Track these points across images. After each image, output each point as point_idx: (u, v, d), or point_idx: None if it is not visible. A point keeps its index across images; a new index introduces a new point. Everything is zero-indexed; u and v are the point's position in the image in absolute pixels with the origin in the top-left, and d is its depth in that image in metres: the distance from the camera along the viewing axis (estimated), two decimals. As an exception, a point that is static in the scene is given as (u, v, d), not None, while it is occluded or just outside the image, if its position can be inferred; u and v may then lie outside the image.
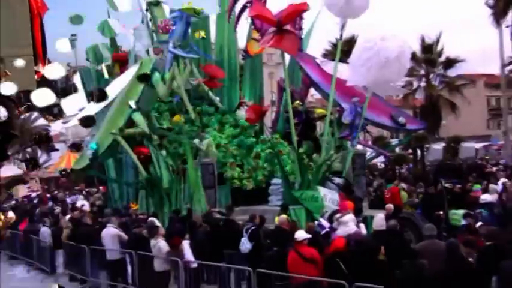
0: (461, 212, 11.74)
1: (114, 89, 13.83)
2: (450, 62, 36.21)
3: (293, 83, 15.29)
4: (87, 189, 20.97)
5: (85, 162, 14.06)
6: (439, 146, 38.63)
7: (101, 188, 19.90)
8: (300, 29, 14.33)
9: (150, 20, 14.63)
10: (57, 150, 19.59)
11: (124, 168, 15.08)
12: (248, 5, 13.94)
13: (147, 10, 14.39)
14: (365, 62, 13.11)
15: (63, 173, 19.37)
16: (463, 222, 10.72)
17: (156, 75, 13.83)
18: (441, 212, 12.47)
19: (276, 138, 15.10)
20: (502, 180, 16.91)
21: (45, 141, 13.24)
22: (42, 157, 17.90)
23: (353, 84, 13.70)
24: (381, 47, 12.98)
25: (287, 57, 13.62)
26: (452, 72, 37.52)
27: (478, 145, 42.87)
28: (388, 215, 10.68)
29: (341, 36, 13.89)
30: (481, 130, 55.56)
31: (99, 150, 13.65)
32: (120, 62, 15.55)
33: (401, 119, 14.63)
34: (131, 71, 13.94)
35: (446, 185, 14.57)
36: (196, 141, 13.70)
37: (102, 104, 13.63)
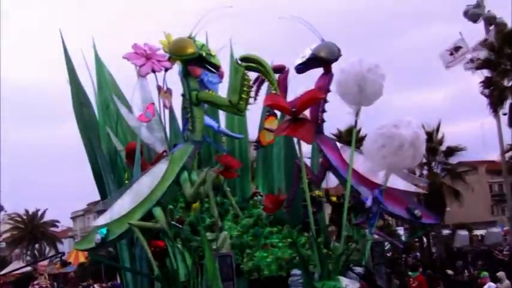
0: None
1: (144, 186, 13.48)
2: (451, 151, 36.43)
3: (311, 167, 15.18)
4: (95, 285, 20.53)
5: (90, 245, 13.70)
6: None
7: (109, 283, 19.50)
8: (323, 111, 14.28)
9: (187, 119, 14.18)
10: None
11: (138, 260, 14.72)
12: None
13: (185, 108, 14.09)
14: (379, 150, 13.11)
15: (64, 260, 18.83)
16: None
17: (185, 175, 13.41)
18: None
19: (291, 228, 14.87)
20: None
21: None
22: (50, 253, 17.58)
23: (369, 173, 13.72)
24: (395, 133, 13.00)
25: (303, 145, 13.55)
26: (453, 160, 37.81)
27: (483, 231, 42.73)
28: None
29: (356, 123, 13.92)
30: (485, 216, 55.54)
31: (109, 236, 13.30)
32: (131, 153, 15.33)
33: (417, 212, 14.39)
34: (161, 168, 13.53)
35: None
36: (209, 235, 13.42)
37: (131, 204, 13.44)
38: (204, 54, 13.16)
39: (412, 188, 14.95)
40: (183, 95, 13.81)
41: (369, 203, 13.47)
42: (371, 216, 13.64)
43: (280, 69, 14.86)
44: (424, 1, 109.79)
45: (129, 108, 16.11)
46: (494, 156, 40.93)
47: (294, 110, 12.45)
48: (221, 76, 15.65)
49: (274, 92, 13.68)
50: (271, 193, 15.93)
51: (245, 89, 13.10)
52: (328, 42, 14.13)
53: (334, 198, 15.44)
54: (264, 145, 16.10)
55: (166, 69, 16.10)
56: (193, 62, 13.44)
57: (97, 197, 16.69)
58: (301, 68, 14.28)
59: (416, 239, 36.12)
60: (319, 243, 13.31)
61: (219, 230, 13.62)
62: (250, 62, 13.35)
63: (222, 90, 15.59)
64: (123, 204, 13.57)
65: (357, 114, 13.71)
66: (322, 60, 14.08)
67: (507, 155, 37.12)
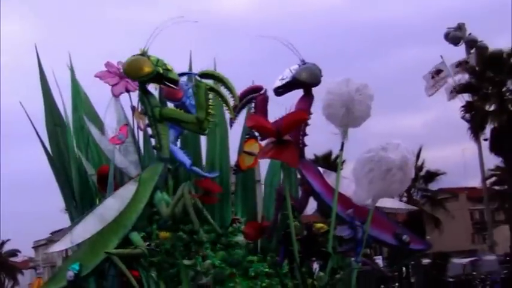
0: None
1: (110, 209, 12.81)
2: (431, 176, 36.12)
3: (292, 192, 14.47)
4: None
5: (61, 284, 12.74)
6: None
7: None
8: (305, 135, 13.67)
9: (152, 136, 13.72)
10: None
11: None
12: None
13: (149, 126, 13.59)
14: (367, 174, 12.51)
15: None
16: None
17: (158, 195, 12.96)
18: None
19: (272, 256, 14.16)
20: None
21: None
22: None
23: (357, 200, 13.15)
24: (383, 157, 12.39)
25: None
26: (433, 186, 37.53)
27: (465, 260, 42.34)
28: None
29: (342, 145, 13.26)
30: (466, 245, 55.33)
31: (83, 271, 12.48)
32: (103, 177, 14.58)
33: (405, 237, 13.78)
34: (130, 189, 12.97)
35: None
36: (187, 262, 12.76)
37: (95, 227, 12.69)
38: (161, 71, 12.84)
39: (402, 206, 14.44)
40: (145, 113, 13.48)
41: (347, 231, 12.95)
42: (357, 243, 13.07)
43: (258, 90, 14.25)
44: (403, 23, 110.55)
45: (102, 129, 15.38)
46: (476, 182, 40.73)
47: (278, 131, 11.87)
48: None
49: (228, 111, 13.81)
50: (252, 220, 15.22)
51: (210, 104, 12.94)
52: (310, 64, 13.53)
53: (318, 225, 14.72)
54: (244, 169, 15.31)
55: (128, 91, 15.42)
56: (151, 80, 13.19)
57: (62, 226, 15.88)
58: (281, 91, 13.69)
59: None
60: (304, 272, 12.66)
61: (202, 258, 12.99)
62: (210, 78, 13.27)
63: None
64: (85, 227, 12.86)
65: (344, 136, 13.07)
66: (303, 83, 13.49)
67: (488, 181, 36.86)
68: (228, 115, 14.64)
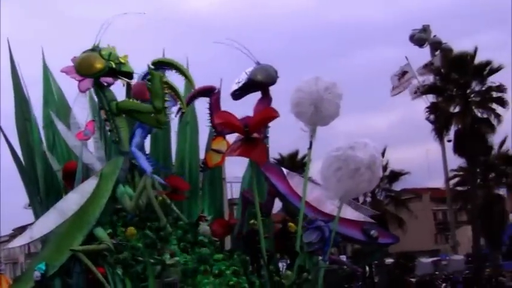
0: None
1: (70, 203, 12.70)
2: (395, 176, 36.31)
3: (258, 195, 14.37)
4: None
5: (28, 285, 12.66)
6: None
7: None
8: (265, 137, 13.59)
9: (111, 130, 13.58)
10: None
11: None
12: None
13: (106, 120, 13.41)
14: (335, 173, 12.52)
15: None
16: None
17: (121, 189, 12.86)
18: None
19: (239, 254, 14.09)
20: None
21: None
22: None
23: (320, 199, 13.17)
24: (351, 155, 12.40)
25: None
26: (397, 186, 37.73)
27: (427, 260, 42.77)
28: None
29: (311, 144, 13.23)
30: (429, 245, 55.72)
31: (49, 271, 12.35)
32: (69, 173, 14.36)
33: (373, 232, 13.86)
34: (91, 184, 12.82)
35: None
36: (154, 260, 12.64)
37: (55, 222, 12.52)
38: (113, 66, 12.73)
39: (361, 218, 14.41)
40: (102, 108, 13.36)
41: (313, 235, 12.93)
42: (325, 243, 13.06)
43: (210, 91, 14.08)
44: (368, 24, 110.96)
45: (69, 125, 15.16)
46: (439, 183, 41.09)
47: (246, 129, 11.82)
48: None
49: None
50: (219, 217, 15.22)
51: (166, 92, 12.72)
52: (265, 65, 13.48)
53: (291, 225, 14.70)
54: (211, 167, 15.19)
55: (109, 85, 15.10)
56: (104, 75, 13.05)
57: (25, 222, 15.66)
58: (238, 94, 13.62)
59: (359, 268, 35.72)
60: (272, 271, 12.62)
61: (170, 256, 12.82)
62: (163, 65, 13.08)
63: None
64: (45, 222, 12.83)
65: (312, 135, 13.04)
66: (259, 84, 13.42)
67: (451, 182, 37.17)
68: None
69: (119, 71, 12.90)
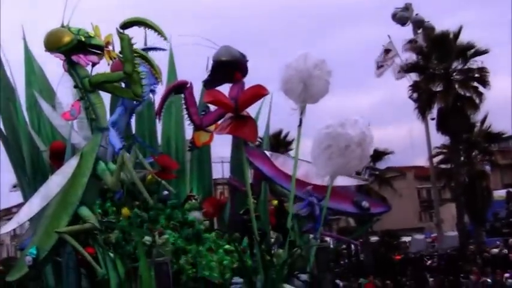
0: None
1: (53, 186, 12.66)
2: (379, 155, 36.32)
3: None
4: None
5: (23, 271, 12.68)
6: (421, 237, 38.41)
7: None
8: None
9: (87, 108, 13.48)
10: None
11: (65, 273, 13.55)
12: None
13: (81, 99, 13.29)
14: (325, 151, 12.50)
15: None
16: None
17: (102, 165, 12.81)
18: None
19: (230, 234, 14.01)
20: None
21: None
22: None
23: (315, 178, 13.14)
24: (341, 133, 12.38)
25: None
26: (381, 165, 37.74)
27: (421, 237, 43.02)
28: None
29: (301, 121, 13.10)
30: (413, 222, 55.98)
31: (40, 255, 12.29)
32: (56, 153, 14.20)
33: (365, 203, 13.90)
34: (71, 164, 12.73)
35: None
36: (147, 238, 12.55)
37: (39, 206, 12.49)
38: (82, 39, 12.65)
39: (354, 182, 14.43)
40: (76, 86, 13.32)
41: (304, 209, 12.93)
42: (316, 221, 13.06)
43: (183, 86, 13.74)
44: (349, 2, 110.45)
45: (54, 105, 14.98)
46: (422, 161, 41.16)
47: (236, 107, 11.71)
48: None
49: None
50: (208, 196, 15.20)
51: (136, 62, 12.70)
52: (225, 45, 12.81)
53: (274, 202, 14.65)
54: (199, 146, 15.04)
55: (94, 64, 14.77)
56: (75, 50, 12.89)
57: (13, 203, 15.54)
58: (209, 81, 12.95)
59: (344, 246, 35.81)
60: (263, 250, 12.57)
61: (159, 235, 12.68)
62: (134, 25, 12.85)
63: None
64: (30, 207, 12.83)
65: (301, 112, 12.94)
66: (226, 64, 12.59)
67: (435, 160, 37.26)
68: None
69: (89, 44, 12.81)
